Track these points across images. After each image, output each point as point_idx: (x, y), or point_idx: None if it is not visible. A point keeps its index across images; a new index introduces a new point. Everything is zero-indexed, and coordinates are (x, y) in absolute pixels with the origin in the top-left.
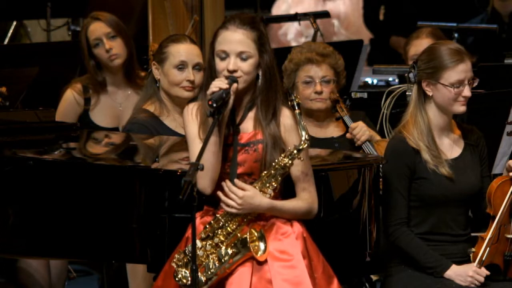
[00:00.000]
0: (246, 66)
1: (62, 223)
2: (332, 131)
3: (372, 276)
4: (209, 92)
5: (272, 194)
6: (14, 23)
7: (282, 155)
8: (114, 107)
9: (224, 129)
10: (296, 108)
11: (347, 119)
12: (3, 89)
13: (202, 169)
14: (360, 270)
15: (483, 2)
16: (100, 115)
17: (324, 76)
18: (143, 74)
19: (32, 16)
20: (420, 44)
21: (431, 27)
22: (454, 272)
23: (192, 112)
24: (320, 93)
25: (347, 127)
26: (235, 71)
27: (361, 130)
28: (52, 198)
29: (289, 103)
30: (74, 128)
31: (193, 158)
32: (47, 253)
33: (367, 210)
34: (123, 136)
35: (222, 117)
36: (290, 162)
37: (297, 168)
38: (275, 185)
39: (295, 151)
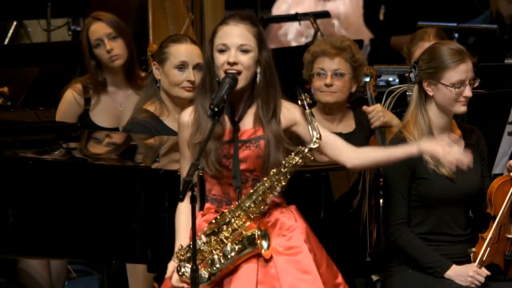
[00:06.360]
0: (246, 59)
1: (62, 223)
2: (342, 127)
3: (372, 276)
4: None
5: (280, 192)
6: (14, 23)
7: (293, 153)
8: (114, 107)
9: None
10: (307, 107)
11: (369, 98)
12: (5, 89)
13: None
14: (360, 270)
15: (483, 2)
16: (100, 115)
17: (337, 69)
18: (143, 74)
19: (32, 16)
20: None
21: (435, 28)
22: (455, 272)
23: (183, 120)
24: (330, 85)
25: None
26: (235, 63)
27: (376, 114)
28: (52, 198)
29: (299, 102)
30: (74, 128)
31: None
32: (47, 253)
33: (367, 210)
34: (124, 136)
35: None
36: (300, 161)
37: (326, 134)
38: (284, 184)
39: (305, 150)
